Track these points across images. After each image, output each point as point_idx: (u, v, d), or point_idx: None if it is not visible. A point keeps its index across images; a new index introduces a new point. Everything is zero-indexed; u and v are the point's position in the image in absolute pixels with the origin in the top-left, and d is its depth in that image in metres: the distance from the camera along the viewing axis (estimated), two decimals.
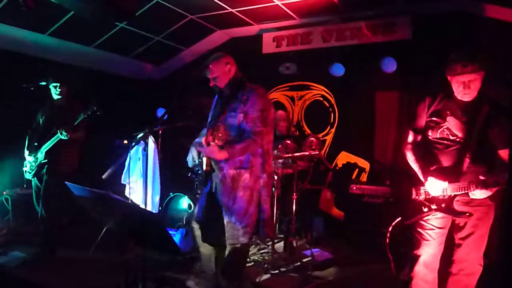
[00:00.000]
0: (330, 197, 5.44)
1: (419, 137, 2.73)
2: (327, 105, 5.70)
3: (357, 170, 5.38)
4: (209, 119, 2.99)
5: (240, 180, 2.75)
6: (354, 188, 4.71)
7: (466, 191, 2.43)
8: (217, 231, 2.87)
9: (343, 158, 5.49)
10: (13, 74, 4.71)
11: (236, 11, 5.12)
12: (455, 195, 2.48)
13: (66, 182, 2.32)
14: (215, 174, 2.86)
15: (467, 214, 2.47)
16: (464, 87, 2.46)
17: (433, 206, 2.53)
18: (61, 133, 3.93)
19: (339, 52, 5.30)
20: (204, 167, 2.81)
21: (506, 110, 2.49)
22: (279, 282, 3.62)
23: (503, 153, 2.46)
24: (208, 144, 2.62)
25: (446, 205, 2.50)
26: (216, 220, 2.86)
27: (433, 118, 2.60)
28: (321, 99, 5.75)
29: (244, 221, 2.75)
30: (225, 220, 2.78)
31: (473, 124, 2.47)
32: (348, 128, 5.50)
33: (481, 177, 2.37)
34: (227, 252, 2.87)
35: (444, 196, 2.50)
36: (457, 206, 2.52)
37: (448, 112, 2.56)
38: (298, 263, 3.99)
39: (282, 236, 4.57)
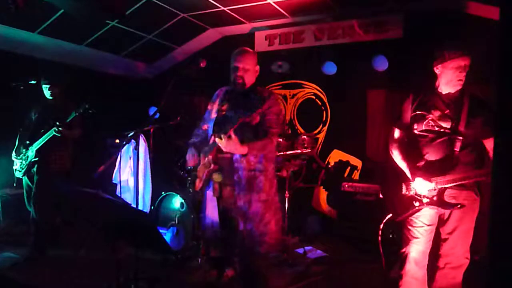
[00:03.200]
0: (323, 195, 5.46)
1: (405, 134, 2.75)
2: (320, 103, 5.71)
3: (349, 168, 5.40)
4: (215, 114, 2.84)
5: (255, 183, 2.64)
6: (346, 186, 4.73)
7: (457, 183, 2.46)
8: (232, 240, 2.77)
9: (336, 156, 5.51)
10: (3, 72, 4.66)
11: (228, 9, 5.10)
12: (445, 188, 2.50)
13: (56, 182, 2.31)
14: (219, 177, 2.74)
15: (459, 205, 2.48)
16: (461, 71, 2.52)
17: (425, 200, 2.54)
18: (55, 130, 3.90)
19: (331, 50, 5.31)
20: (211, 166, 2.69)
21: (485, 104, 2.54)
22: (272, 280, 3.61)
23: (488, 143, 2.51)
24: (229, 137, 2.48)
25: (437, 198, 2.51)
26: (230, 228, 2.76)
27: (418, 112, 2.63)
28: (314, 97, 5.76)
29: (260, 228, 2.62)
30: (240, 227, 2.65)
31: (456, 116, 2.52)
32: (340, 127, 5.52)
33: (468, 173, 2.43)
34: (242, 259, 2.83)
35: (434, 189, 2.52)
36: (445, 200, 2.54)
37: (431, 105, 2.60)
38: (291, 261, 4.00)
39: None
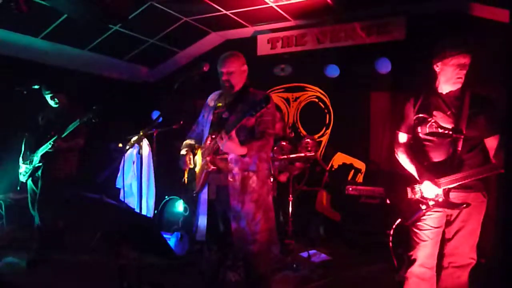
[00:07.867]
0: (327, 198, 5.43)
1: (410, 137, 2.73)
2: (322, 106, 5.70)
3: (353, 171, 5.38)
4: (211, 117, 2.87)
5: (249, 184, 2.68)
6: (350, 189, 4.71)
7: (460, 182, 2.44)
8: (225, 239, 2.81)
9: (339, 159, 5.49)
10: (6, 77, 4.67)
11: (231, 13, 5.11)
12: (450, 189, 2.48)
13: (60, 187, 2.31)
14: (215, 177, 2.77)
15: (464, 205, 2.46)
16: (461, 69, 2.49)
17: (431, 202, 2.51)
18: (51, 144, 3.91)
19: (333, 53, 5.31)
20: (210, 167, 2.71)
21: (488, 101, 2.51)
22: (276, 284, 3.59)
23: (489, 141, 2.49)
24: (230, 138, 2.50)
25: (444, 199, 2.49)
26: (224, 228, 2.81)
27: (420, 115, 2.61)
28: (316, 100, 5.75)
29: (252, 227, 2.67)
30: (233, 226, 2.69)
31: (459, 115, 2.49)
32: (343, 129, 5.50)
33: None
34: (244, 262, 2.84)
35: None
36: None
37: (433, 106, 2.59)
38: (295, 265, 3.98)
39: (278, 237, 4.56)
